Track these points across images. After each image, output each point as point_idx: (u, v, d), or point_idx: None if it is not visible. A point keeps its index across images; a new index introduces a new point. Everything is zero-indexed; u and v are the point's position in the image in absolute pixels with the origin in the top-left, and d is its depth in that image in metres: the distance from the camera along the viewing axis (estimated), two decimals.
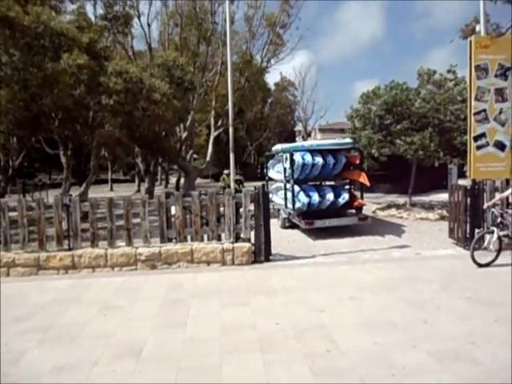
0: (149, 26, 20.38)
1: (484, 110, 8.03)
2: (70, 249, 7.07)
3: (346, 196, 10.37)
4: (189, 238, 7.37)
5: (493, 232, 6.84)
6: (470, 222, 8.02)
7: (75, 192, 13.25)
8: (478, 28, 8.79)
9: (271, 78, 50.77)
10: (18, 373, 3.67)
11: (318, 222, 9.92)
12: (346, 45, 75.37)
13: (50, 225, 7.27)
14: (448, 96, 12.28)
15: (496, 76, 8.01)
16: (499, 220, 6.85)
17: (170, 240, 7.34)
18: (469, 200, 8.02)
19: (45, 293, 5.94)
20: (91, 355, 3.95)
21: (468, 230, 8.03)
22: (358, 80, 77.65)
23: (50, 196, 7.91)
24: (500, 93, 8.04)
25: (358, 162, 10.81)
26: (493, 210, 7.26)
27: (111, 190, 30.23)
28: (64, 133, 12.66)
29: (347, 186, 11.39)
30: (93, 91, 11.49)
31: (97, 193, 19.20)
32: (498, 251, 6.80)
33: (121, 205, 7.16)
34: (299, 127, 49.17)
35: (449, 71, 12.71)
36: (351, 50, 76.41)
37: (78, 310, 5.22)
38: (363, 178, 10.21)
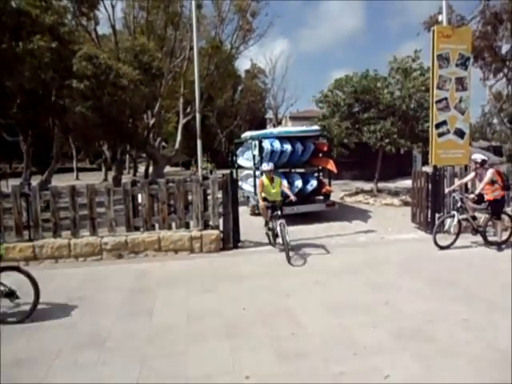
0: (113, 7, 19.56)
1: (445, 99, 8.30)
2: (30, 239, 6.80)
3: (314, 183, 10.50)
4: (156, 226, 7.25)
5: (453, 216, 7.14)
6: (431, 206, 8.33)
7: (37, 181, 12.72)
8: (440, 18, 8.99)
9: (241, 65, 50.28)
10: None
11: (287, 208, 9.92)
12: (327, 36, 76.38)
13: (10, 215, 6.95)
14: (413, 85, 12.58)
15: (457, 65, 8.27)
16: (459, 204, 7.16)
17: (136, 229, 7.20)
18: (430, 186, 8.32)
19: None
20: (52, 347, 3.85)
21: (429, 215, 8.35)
22: (335, 70, 78.67)
23: (10, 186, 7.54)
24: (460, 82, 8.32)
25: (326, 149, 10.94)
26: (453, 194, 7.56)
27: (77, 178, 29.23)
28: (24, 118, 12.05)
29: (315, 173, 11.52)
30: (60, 75, 10.97)
31: (62, 181, 18.49)
32: (457, 234, 7.13)
33: (84, 193, 6.94)
34: (270, 115, 49.08)
35: (413, 60, 12.98)
36: (331, 42, 77.47)
37: (40, 302, 5.04)
38: (331, 165, 10.36)
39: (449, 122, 8.34)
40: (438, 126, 8.34)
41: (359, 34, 77.88)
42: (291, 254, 6.58)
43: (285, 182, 7.82)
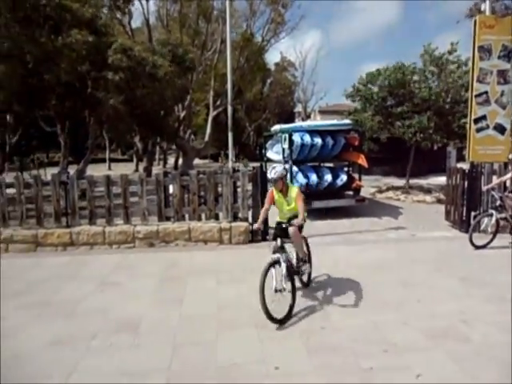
0: (147, 1, 19.90)
1: (486, 92, 7.95)
2: (68, 226, 7.09)
3: (344, 177, 10.35)
4: (186, 216, 7.38)
5: (491, 215, 6.88)
6: (466, 204, 8.05)
7: (73, 170, 13.20)
8: (483, 7, 8.59)
9: (271, 58, 49.96)
10: (16, 346, 3.72)
11: (316, 202, 9.93)
12: (360, 29, 74.54)
13: (48, 202, 7.26)
14: (450, 79, 12.10)
15: (499, 57, 7.89)
16: (498, 203, 6.88)
17: (167, 219, 7.36)
18: (466, 183, 8.03)
19: (43, 269, 5.99)
20: (89, 329, 4.01)
21: (464, 213, 8.07)
22: (367, 63, 76.55)
23: (48, 174, 7.87)
24: (502, 75, 7.94)
25: (357, 143, 10.74)
26: (492, 192, 7.27)
27: (109, 169, 30.10)
28: (62, 110, 12.50)
29: (346, 168, 11.36)
30: (97, 67, 11.30)
31: (95, 171, 19.10)
32: (495, 234, 6.86)
33: (119, 183, 7.14)
34: (299, 108, 48.65)
35: (450, 52, 12.47)
36: (364, 35, 75.66)
37: (76, 285, 5.27)
38: (362, 160, 10.18)
39: (488, 117, 7.99)
40: (476, 120, 8.02)
41: (394, 27, 75.48)
42: (316, 248, 6.52)
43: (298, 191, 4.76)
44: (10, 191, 7.08)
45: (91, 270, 5.89)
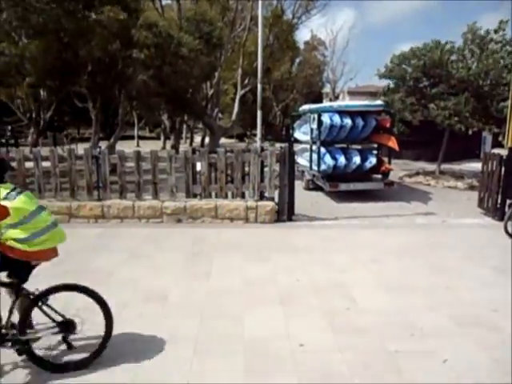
0: None
1: None
2: (99, 199, 7.30)
3: (373, 160, 10.14)
4: (213, 194, 7.46)
5: None
6: (502, 192, 7.75)
7: (104, 146, 13.49)
8: None
9: (301, 37, 48.70)
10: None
11: (343, 185, 9.81)
12: (396, 8, 71.07)
13: (81, 176, 7.48)
14: (491, 61, 11.45)
15: None
16: None
17: (195, 196, 7.45)
18: (503, 169, 7.70)
19: (77, 240, 6.20)
20: (120, 298, 4.16)
21: (499, 201, 7.78)
22: (401, 43, 73.42)
23: (80, 149, 8.08)
24: None
25: (388, 125, 10.45)
26: None
27: (137, 146, 30.55)
28: (93, 86, 12.70)
29: (375, 150, 11.11)
30: (124, 45, 11.36)
31: (124, 148, 19.48)
32: None
33: (148, 159, 7.26)
34: (327, 89, 47.57)
35: (496, 31, 11.75)
36: (399, 13, 72.04)
37: (108, 256, 5.46)
38: (392, 143, 9.90)
39: None
40: None
41: (431, 6, 71.68)
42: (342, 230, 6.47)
43: None
44: (45, 164, 7.32)
45: (122, 242, 6.08)
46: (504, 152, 7.93)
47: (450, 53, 12.15)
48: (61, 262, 5.15)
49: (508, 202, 7.61)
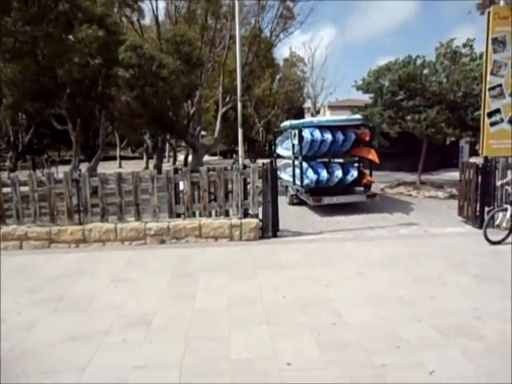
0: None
1: (499, 85, 7.81)
2: (80, 223, 7.17)
3: (354, 173, 10.29)
4: (197, 213, 7.42)
5: (506, 209, 6.78)
6: (480, 200, 7.93)
7: (84, 168, 13.34)
8: None
9: (282, 53, 49.68)
10: (31, 341, 3.79)
11: (326, 198, 9.90)
12: (376, 23, 73.98)
13: (61, 200, 7.35)
14: (463, 73, 11.90)
15: None
16: None
17: (178, 215, 7.40)
18: (480, 178, 7.91)
19: (57, 265, 6.07)
20: (102, 325, 4.06)
21: (478, 209, 7.96)
22: (382, 58, 76.00)
23: (60, 172, 7.98)
24: None
25: (367, 138, 10.66)
26: (507, 187, 7.16)
27: (120, 166, 30.35)
28: (73, 107, 12.62)
29: (356, 163, 11.28)
30: (107, 64, 11.38)
31: (106, 169, 19.28)
32: (510, 229, 6.75)
33: (129, 180, 7.20)
34: (308, 104, 48.38)
35: (465, 45, 12.27)
36: (379, 29, 74.98)
37: (89, 282, 5.33)
38: (373, 155, 10.10)
39: (503, 111, 7.85)
40: (490, 114, 7.88)
41: (410, 22, 74.51)
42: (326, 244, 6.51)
43: None
44: (24, 189, 7.18)
45: (104, 267, 5.96)
46: (480, 160, 8.17)
47: (423, 67, 12.56)
48: (39, 290, 5.05)
49: (486, 209, 7.80)
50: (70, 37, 10.16)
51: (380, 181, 14.88)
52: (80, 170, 7.77)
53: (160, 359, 3.44)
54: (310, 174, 9.91)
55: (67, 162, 20.76)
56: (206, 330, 3.95)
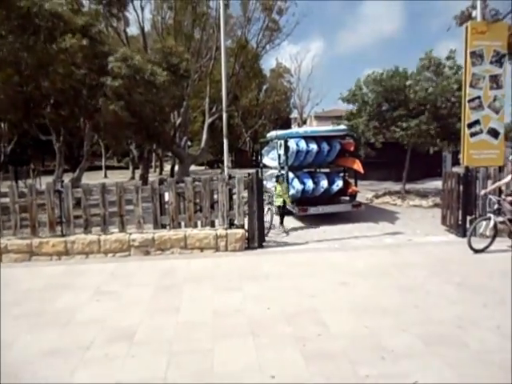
0: (142, 9, 20.00)
1: (478, 97, 8.03)
2: (62, 235, 7.04)
3: (340, 183, 10.38)
4: (182, 224, 7.36)
5: (489, 218, 6.91)
6: (462, 209, 8.07)
7: (68, 178, 13.15)
8: (474, 13, 8.70)
9: (268, 65, 50.24)
10: (11, 356, 3.68)
11: (312, 208, 9.94)
12: (363, 36, 76.06)
13: (43, 211, 7.22)
14: (446, 84, 12.19)
15: (491, 63, 7.99)
16: (496, 206, 6.92)
17: (163, 226, 7.33)
18: (461, 187, 8.06)
19: (38, 278, 5.93)
20: (84, 340, 3.96)
21: (460, 217, 8.09)
22: (367, 69, 77.45)
23: (43, 183, 7.84)
24: (495, 80, 8.03)
25: (352, 148, 10.79)
26: (490, 196, 7.30)
27: (105, 176, 30.03)
28: (57, 117, 12.47)
29: (341, 173, 11.39)
30: (94, 74, 11.30)
31: (91, 179, 19.06)
32: (493, 237, 6.88)
33: (114, 191, 7.12)
34: (295, 114, 48.89)
35: (448, 58, 12.59)
36: (366, 42, 76.97)
37: (71, 295, 5.22)
38: (357, 165, 10.21)
39: (482, 122, 8.07)
40: (470, 125, 8.08)
41: (396, 34, 76.64)
42: (312, 254, 6.53)
43: None
44: (5, 200, 7.03)
45: (87, 279, 5.84)
46: (462, 170, 8.33)
47: (406, 78, 12.82)
48: (19, 303, 4.92)
49: (468, 218, 7.93)
50: (54, 46, 10.07)
51: (366, 190, 15.05)
52: (63, 181, 7.65)
53: (143, 374, 3.37)
54: (296, 183, 9.96)
55: (51, 172, 20.44)
56: (191, 343, 3.90)
